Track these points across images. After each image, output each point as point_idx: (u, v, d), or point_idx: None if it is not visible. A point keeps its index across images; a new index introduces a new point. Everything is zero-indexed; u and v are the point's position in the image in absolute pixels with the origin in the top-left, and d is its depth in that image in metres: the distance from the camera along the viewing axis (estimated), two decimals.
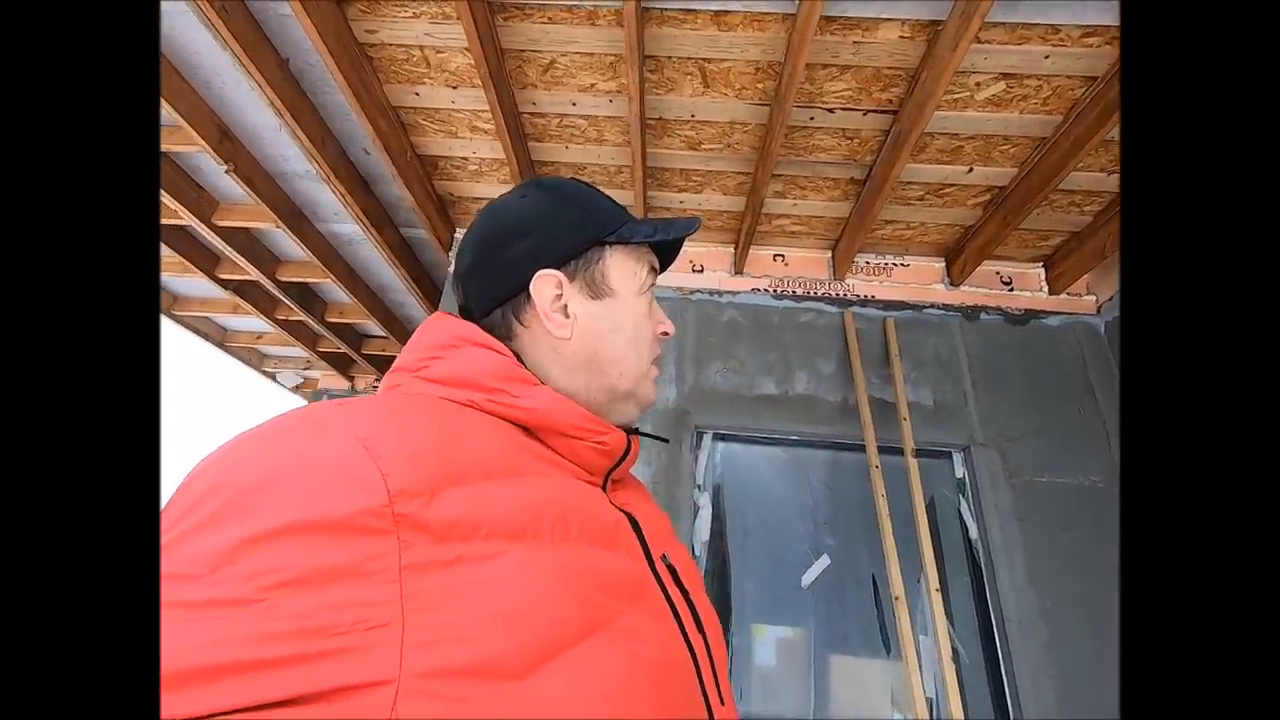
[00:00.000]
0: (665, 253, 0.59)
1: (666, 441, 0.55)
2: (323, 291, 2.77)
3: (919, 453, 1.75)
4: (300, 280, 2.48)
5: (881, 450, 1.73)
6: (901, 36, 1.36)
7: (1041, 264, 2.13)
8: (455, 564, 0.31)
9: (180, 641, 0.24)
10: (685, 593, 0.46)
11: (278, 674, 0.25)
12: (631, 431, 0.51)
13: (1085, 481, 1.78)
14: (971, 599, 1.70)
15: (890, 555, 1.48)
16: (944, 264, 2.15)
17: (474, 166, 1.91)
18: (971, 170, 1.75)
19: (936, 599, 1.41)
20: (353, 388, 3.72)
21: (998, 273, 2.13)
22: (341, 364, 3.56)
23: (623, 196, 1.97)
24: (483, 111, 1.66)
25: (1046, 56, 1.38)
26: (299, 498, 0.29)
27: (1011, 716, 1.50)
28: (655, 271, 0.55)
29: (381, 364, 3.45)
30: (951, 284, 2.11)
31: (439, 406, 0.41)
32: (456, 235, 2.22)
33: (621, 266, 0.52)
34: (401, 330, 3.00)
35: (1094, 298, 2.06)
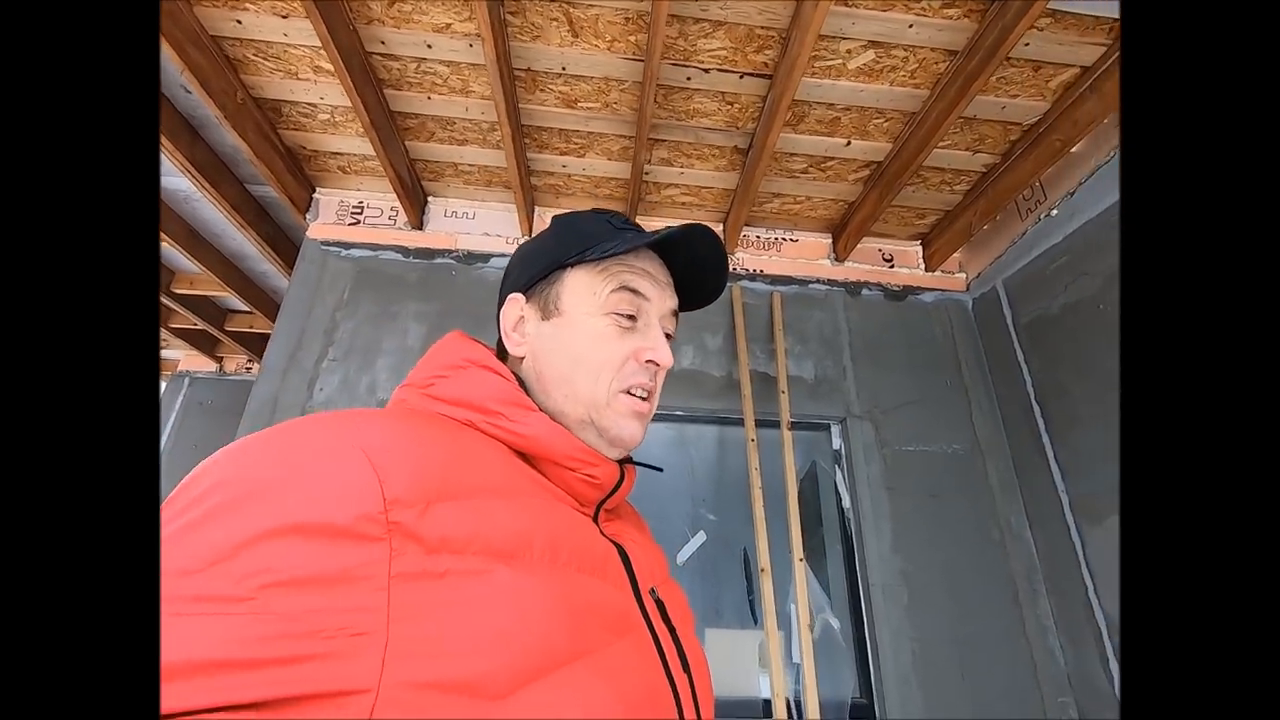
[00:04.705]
0: (694, 288, 0.56)
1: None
2: (164, 258, 2.42)
3: (797, 425, 1.76)
4: None
5: (761, 424, 1.72)
6: None
7: (919, 241, 2.20)
8: (445, 577, 0.31)
9: (166, 635, 0.24)
10: (672, 630, 0.45)
11: (257, 675, 0.25)
12: (625, 462, 0.50)
13: (949, 449, 1.87)
14: (843, 567, 1.74)
15: (759, 528, 1.47)
16: (830, 240, 2.17)
17: (325, 115, 1.70)
18: (850, 144, 1.75)
19: (800, 569, 1.42)
20: (220, 369, 3.33)
21: (880, 250, 2.18)
22: (204, 343, 3.17)
23: (497, 156, 1.83)
24: (321, 48, 1.46)
25: (910, 25, 1.37)
26: (298, 501, 0.29)
27: (872, 676, 1.56)
28: (632, 291, 0.50)
29: (250, 342, 3.10)
30: (837, 260, 2.14)
31: (443, 423, 0.42)
32: (316, 195, 1.98)
33: (578, 286, 0.50)
34: (267, 303, 2.69)
35: (964, 275, 2.16)
